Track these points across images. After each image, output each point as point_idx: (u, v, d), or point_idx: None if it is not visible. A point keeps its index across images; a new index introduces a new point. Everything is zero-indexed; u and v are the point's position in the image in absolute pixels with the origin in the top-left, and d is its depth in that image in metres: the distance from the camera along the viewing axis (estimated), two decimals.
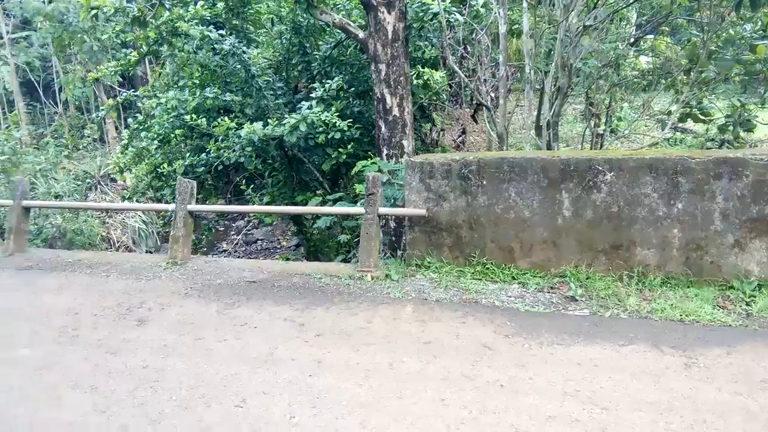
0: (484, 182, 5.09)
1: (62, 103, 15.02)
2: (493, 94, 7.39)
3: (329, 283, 5.27)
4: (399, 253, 6.26)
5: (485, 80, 7.23)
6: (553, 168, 4.92)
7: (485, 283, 5.04)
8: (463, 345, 3.92)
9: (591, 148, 9.21)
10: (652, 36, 10.46)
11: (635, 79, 9.90)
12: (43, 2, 11.67)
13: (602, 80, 8.49)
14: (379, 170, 5.94)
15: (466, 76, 7.33)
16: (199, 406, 3.26)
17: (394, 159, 6.56)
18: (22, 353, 4.02)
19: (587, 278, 4.92)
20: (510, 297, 4.76)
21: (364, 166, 6.08)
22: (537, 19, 7.59)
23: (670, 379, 3.41)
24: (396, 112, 6.51)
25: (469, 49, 7.84)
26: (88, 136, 12.86)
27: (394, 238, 6.69)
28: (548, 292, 4.83)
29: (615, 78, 8.69)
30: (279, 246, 11.91)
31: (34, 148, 11.01)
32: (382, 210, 5.48)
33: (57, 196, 9.11)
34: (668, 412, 3.07)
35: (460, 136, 9.01)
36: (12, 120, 11.64)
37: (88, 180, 11.33)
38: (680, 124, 9.99)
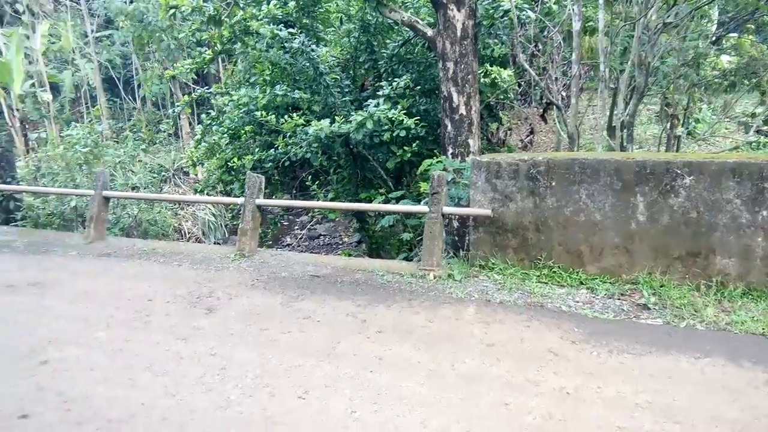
0: (554, 183, 4.95)
1: (140, 99, 15.76)
2: (564, 93, 7.19)
3: (391, 281, 5.27)
4: (462, 253, 6.19)
5: (556, 79, 7.03)
6: (628, 170, 4.72)
7: (551, 287, 4.91)
8: (528, 349, 3.83)
9: (666, 151, 8.81)
10: (735, 34, 9.89)
11: (716, 80, 9.39)
12: (125, 2, 12.27)
13: (681, 80, 8.09)
14: (444, 169, 5.89)
15: (536, 74, 7.16)
16: (263, 395, 3.33)
17: (459, 158, 6.50)
18: (100, 335, 4.23)
19: (661, 286, 4.70)
20: (578, 302, 4.62)
21: (429, 165, 6.05)
22: (613, 16, 7.32)
23: (751, 396, 3.21)
24: (463, 110, 6.44)
25: (540, 46, 7.67)
26: (164, 131, 13.43)
27: (456, 238, 6.63)
28: (619, 299, 4.65)
29: (694, 78, 8.27)
30: (341, 242, 12.04)
31: (114, 141, 11.61)
32: (447, 209, 5.44)
33: (134, 188, 9.56)
34: (747, 431, 2.89)
35: (528, 135, 8.82)
36: (95, 114, 12.32)
37: (162, 173, 11.84)
38: (765, 128, 9.40)
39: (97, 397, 3.36)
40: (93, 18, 15.03)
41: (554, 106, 7.50)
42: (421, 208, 5.62)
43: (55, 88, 14.59)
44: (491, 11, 7.00)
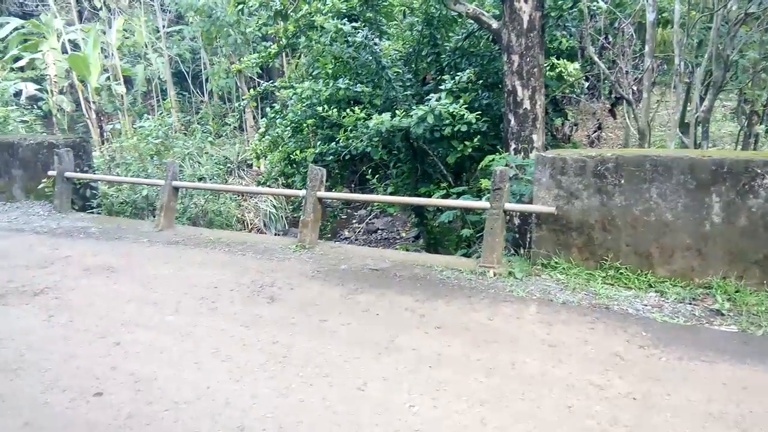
0: (622, 181, 4.78)
1: (207, 92, 16.26)
2: (635, 87, 6.91)
3: (450, 277, 5.24)
4: (523, 251, 6.07)
5: (627, 72, 6.77)
6: (703, 169, 4.50)
7: (618, 289, 4.74)
8: (592, 352, 3.71)
9: (743, 150, 8.33)
10: None
11: None
12: None
13: (763, 74, 7.62)
14: (507, 165, 5.79)
15: (606, 67, 6.91)
16: (323, 385, 3.37)
17: (522, 154, 6.37)
18: (169, 320, 4.40)
19: (736, 291, 4.46)
20: (646, 305, 4.44)
21: (491, 160, 5.95)
22: (690, 6, 6.98)
23: None
24: (527, 104, 6.30)
25: (610, 39, 7.40)
26: (229, 124, 13.81)
27: (517, 236, 6.50)
28: (690, 304, 4.45)
29: None
30: (398, 237, 12.05)
31: (183, 133, 12.03)
32: (508, 206, 5.35)
33: (201, 179, 9.87)
34: None
35: (595, 131, 8.54)
36: (165, 107, 12.81)
37: (227, 165, 12.18)
38: None
39: (166, 379, 3.49)
40: (165, 13, 15.60)
41: (624, 101, 7.23)
42: (482, 203, 5.55)
43: (129, 82, 15.26)
44: (560, 2, 6.80)
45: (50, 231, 7.12)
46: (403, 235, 12.02)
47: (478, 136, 6.90)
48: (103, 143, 13.48)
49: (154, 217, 7.88)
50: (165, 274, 5.46)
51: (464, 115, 6.32)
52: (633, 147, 8.27)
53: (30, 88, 14.33)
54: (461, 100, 6.50)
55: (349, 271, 5.44)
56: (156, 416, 3.09)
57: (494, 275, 5.17)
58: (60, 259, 5.92)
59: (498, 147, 6.85)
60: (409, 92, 7.40)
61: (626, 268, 4.84)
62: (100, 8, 14.12)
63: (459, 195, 6.72)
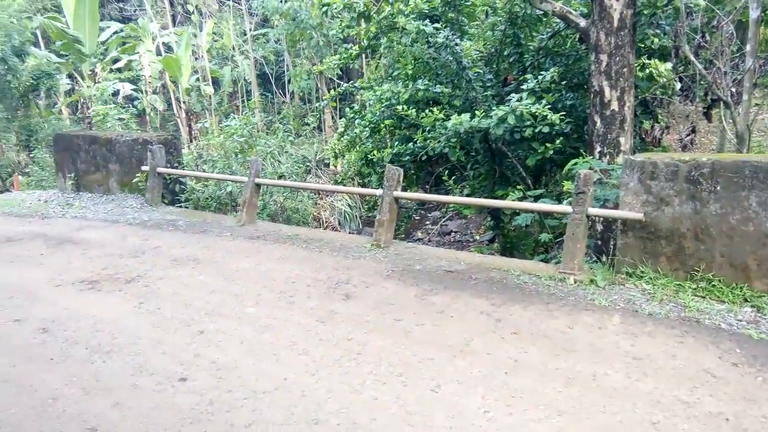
0: (718, 188, 4.48)
1: (289, 93, 16.74)
2: (734, 89, 6.47)
3: (527, 282, 5.10)
4: (605, 258, 5.83)
5: (725, 73, 6.34)
6: None
7: (710, 302, 4.45)
8: (680, 367, 3.50)
9: None
10: None
11: None
12: (281, 1, 13.05)
13: None
14: (591, 168, 5.57)
15: (702, 67, 6.52)
16: (397, 384, 3.37)
17: (607, 157, 6.11)
18: (249, 311, 4.55)
19: None
20: (740, 321, 4.15)
21: (575, 164, 5.75)
22: None
23: None
24: (615, 106, 6.04)
25: (707, 38, 6.96)
26: (309, 124, 14.15)
27: (600, 242, 6.25)
28: None
29: None
30: (472, 239, 11.89)
31: (265, 132, 12.43)
32: (592, 210, 5.15)
33: (281, 176, 10.15)
34: None
35: (688, 134, 8.07)
36: (250, 107, 13.32)
37: (306, 164, 12.47)
38: None
39: (246, 368, 3.61)
40: (251, 17, 16.20)
41: (721, 103, 6.78)
42: (564, 208, 5.37)
43: (216, 83, 15.95)
44: None
45: (142, 223, 7.55)
46: (477, 237, 11.85)
47: (561, 138, 6.69)
48: (191, 141, 14.16)
49: (236, 212, 8.18)
50: (246, 268, 5.65)
51: (547, 116, 6.14)
52: (729, 152, 7.75)
53: (126, 88, 15.27)
54: (544, 101, 6.32)
55: (424, 272, 5.42)
56: (236, 404, 3.19)
57: (575, 282, 4.99)
58: (150, 250, 6.26)
59: (581, 150, 6.62)
60: (489, 93, 7.28)
61: (719, 280, 4.54)
62: (192, 12, 14.83)
63: (537, 198, 6.55)
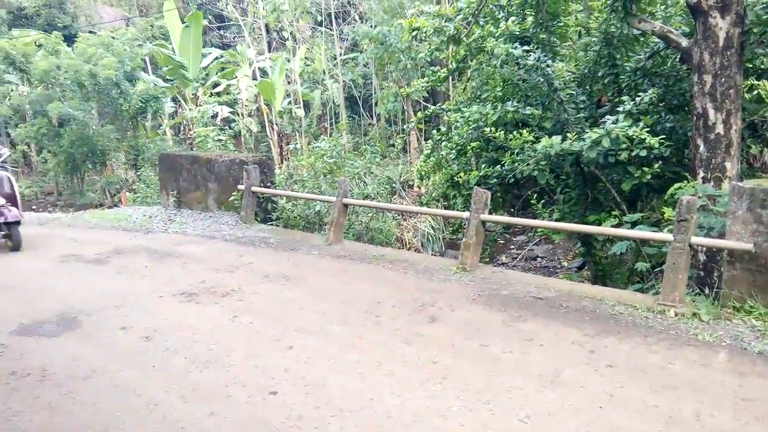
0: None
1: (376, 115, 17.06)
2: None
3: (623, 312, 4.86)
4: (709, 290, 5.45)
5: None
6: None
7: None
8: None
9: None
10: None
11: None
12: (371, 27, 13.41)
13: None
14: (695, 194, 5.26)
15: None
16: (484, 412, 3.30)
17: (711, 183, 5.75)
18: (335, 329, 4.62)
19: None
20: None
21: (678, 189, 5.46)
22: None
23: None
24: (720, 129, 5.69)
25: None
26: (394, 146, 14.33)
27: (702, 273, 5.87)
28: None
29: None
30: (559, 266, 11.51)
31: (353, 154, 12.72)
32: (695, 239, 4.85)
33: (366, 197, 10.31)
34: None
35: None
36: (339, 129, 13.71)
37: (391, 185, 12.61)
38: None
39: (332, 386, 3.66)
40: (342, 42, 16.74)
41: None
42: (664, 236, 5.09)
43: (306, 105, 16.53)
44: (765, 16, 6.07)
45: (236, 239, 7.90)
46: (565, 264, 11.46)
47: (659, 162, 6.37)
48: (282, 161, 14.72)
49: (323, 231, 8.39)
50: (333, 286, 5.77)
51: (645, 138, 5.88)
52: None
53: (224, 111, 16.14)
54: (641, 123, 6.06)
55: (512, 298, 5.30)
56: (323, 420, 3.24)
57: (675, 315, 4.70)
58: (244, 265, 6.53)
59: (683, 174, 6.28)
60: (582, 115, 7.08)
61: None
62: (287, 39, 15.51)
63: (633, 225, 6.24)
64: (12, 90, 15.32)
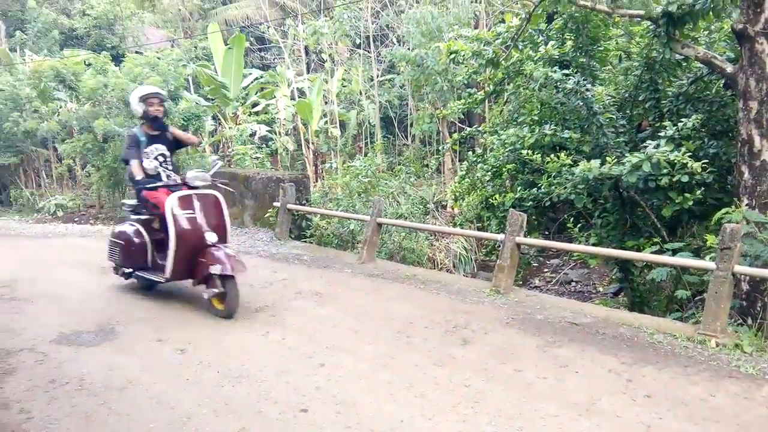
0: None
1: (410, 136, 17.14)
2: None
3: (662, 341, 4.73)
4: (752, 321, 5.27)
5: None
6: None
7: None
8: None
9: None
10: None
11: None
12: (409, 49, 13.53)
13: None
14: (740, 221, 5.12)
15: None
16: None
17: (757, 211, 5.58)
18: (367, 349, 4.61)
19: None
20: None
21: (726, 213, 5.32)
22: None
23: None
24: (766, 156, 5.54)
25: None
26: (428, 166, 14.34)
27: (745, 303, 5.67)
28: None
29: None
30: (594, 291, 11.27)
31: (388, 173, 12.79)
32: (738, 268, 4.71)
33: (399, 216, 10.33)
34: None
35: None
36: (374, 149, 13.82)
37: (425, 205, 12.61)
38: None
39: (363, 406, 3.64)
40: (379, 64, 16.92)
41: None
42: (707, 264, 4.96)
43: (342, 125, 16.70)
44: None
45: (270, 255, 7.99)
46: (600, 289, 11.22)
47: (701, 189, 6.23)
48: (316, 180, 14.88)
49: (356, 249, 8.42)
50: (365, 305, 5.77)
51: (687, 164, 5.76)
52: None
53: (262, 130, 16.43)
54: (683, 148, 5.95)
55: (546, 322, 5.21)
56: None
57: (716, 346, 4.55)
58: (277, 281, 6.59)
59: (724, 201, 6.12)
60: (621, 139, 6.99)
61: None
62: (326, 61, 15.78)
63: (674, 252, 6.09)
64: (61, 107, 15.93)
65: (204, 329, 5.04)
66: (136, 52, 16.88)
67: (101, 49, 18.47)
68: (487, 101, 12.56)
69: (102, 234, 10.20)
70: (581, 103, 6.88)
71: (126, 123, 14.10)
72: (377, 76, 16.67)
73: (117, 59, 16.09)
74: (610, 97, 7.34)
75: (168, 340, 4.79)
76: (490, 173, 8.44)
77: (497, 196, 8.15)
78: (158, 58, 14.77)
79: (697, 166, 5.71)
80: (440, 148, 13.47)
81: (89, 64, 15.58)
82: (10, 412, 3.64)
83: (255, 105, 17.22)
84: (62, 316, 5.45)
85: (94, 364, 4.33)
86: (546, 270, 12.70)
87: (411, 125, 16.39)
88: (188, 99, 15.31)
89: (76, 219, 14.47)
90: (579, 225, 7.95)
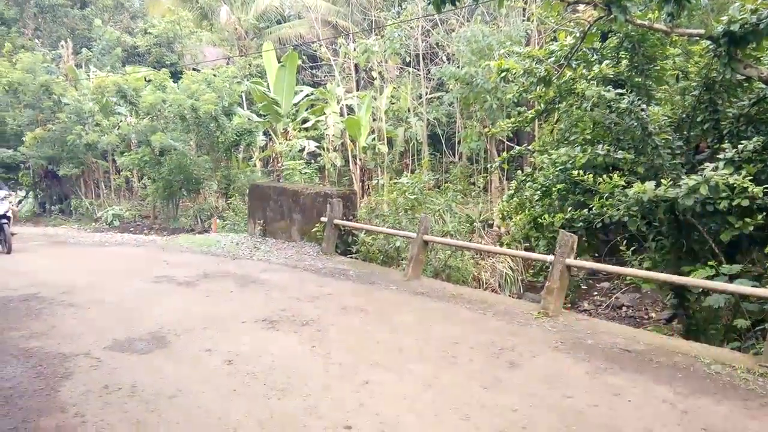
0: None
1: (458, 154, 17.10)
2: None
3: (720, 372, 4.52)
4: None
5: None
6: None
7: None
8: None
9: None
10: None
11: None
12: (458, 67, 13.55)
13: None
14: None
15: None
16: None
17: None
18: (411, 367, 4.58)
19: None
20: None
21: None
22: None
23: None
24: None
25: None
26: (475, 185, 14.25)
27: None
28: None
29: None
30: (646, 317, 10.89)
31: (435, 190, 12.77)
32: None
33: (445, 234, 10.27)
34: None
35: None
36: (424, 166, 13.85)
37: (473, 224, 12.51)
38: None
39: (407, 425, 3.61)
40: (428, 82, 17.01)
41: None
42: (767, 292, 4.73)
43: (390, 142, 16.82)
44: None
45: (317, 270, 8.07)
46: (653, 315, 10.83)
47: (763, 213, 5.96)
48: (363, 196, 14.99)
49: (401, 266, 8.41)
50: (410, 323, 5.74)
51: (747, 187, 5.53)
52: None
53: (311, 146, 16.73)
54: (744, 171, 5.72)
55: (597, 348, 5.06)
56: None
57: None
58: (323, 296, 6.65)
59: None
60: (678, 161, 6.78)
61: None
62: (375, 78, 15.97)
63: (732, 278, 5.84)
64: (121, 120, 16.64)
65: (252, 342, 5.11)
66: (194, 69, 17.49)
67: (161, 66, 19.25)
68: (537, 120, 12.44)
69: (155, 244, 10.54)
70: (636, 123, 6.72)
71: (181, 137, 14.61)
72: (426, 94, 16.74)
73: (175, 76, 16.73)
74: (666, 118, 7.13)
75: (217, 350, 4.89)
76: (539, 193, 8.31)
77: (546, 216, 8.01)
78: (214, 75, 15.27)
79: (758, 190, 5.48)
80: (488, 166, 13.38)
81: (149, 80, 16.25)
82: (66, 414, 3.78)
83: (305, 121, 17.55)
84: (117, 323, 5.64)
85: (145, 372, 4.45)
86: (595, 293, 12.37)
87: (458, 143, 16.34)
88: (241, 115, 15.75)
89: (131, 229, 15.02)
90: (632, 248, 7.72)
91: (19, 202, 20.08)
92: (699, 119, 7.09)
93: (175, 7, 22.65)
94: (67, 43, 20.21)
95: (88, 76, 18.77)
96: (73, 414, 3.78)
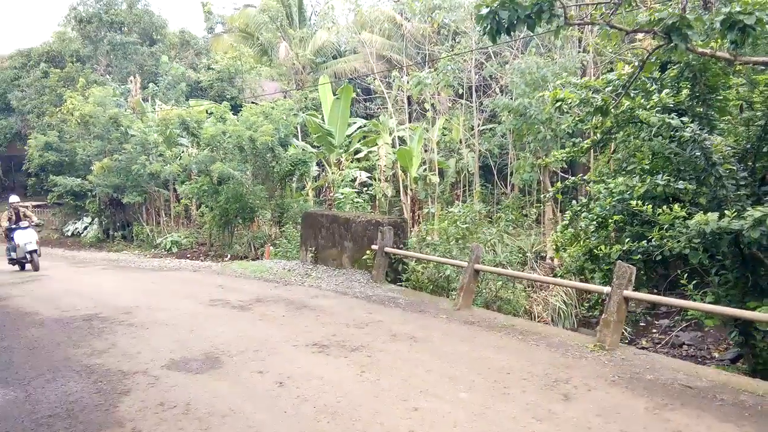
0: None
1: (510, 185, 16.95)
2: None
3: None
4: None
5: None
6: None
7: None
8: None
9: None
10: None
11: None
12: (511, 99, 13.55)
13: None
14: None
15: None
16: None
17: None
18: (462, 396, 4.51)
19: None
20: None
21: None
22: None
23: None
24: None
25: None
26: (527, 216, 14.06)
27: None
28: None
29: None
30: (709, 356, 10.35)
31: (487, 221, 12.67)
32: None
33: (497, 265, 10.14)
34: None
35: None
36: (474, 196, 13.81)
37: (524, 255, 12.31)
38: None
39: None
40: (481, 113, 17.05)
41: None
42: None
43: (441, 173, 16.86)
44: None
45: (366, 297, 8.10)
46: (716, 354, 10.30)
47: None
48: (413, 225, 15.01)
49: (452, 296, 8.33)
50: (460, 352, 5.66)
51: None
52: None
53: (363, 176, 16.97)
54: None
55: (657, 383, 4.84)
56: None
57: None
58: (373, 323, 6.65)
59: None
60: (742, 192, 6.52)
61: None
62: (428, 110, 16.14)
63: None
64: (183, 151, 17.38)
65: (303, 365, 5.16)
66: (253, 102, 18.16)
67: (222, 99, 20.07)
68: (592, 150, 12.23)
69: (211, 269, 10.84)
70: (698, 153, 6.52)
71: (239, 167, 15.11)
72: (478, 125, 16.76)
73: (235, 108, 17.40)
74: (729, 148, 6.90)
75: (268, 372, 4.95)
76: (595, 223, 8.12)
77: (603, 247, 7.81)
78: (272, 108, 15.80)
79: None
80: (540, 197, 13.20)
81: (210, 113, 16.96)
82: (123, 429, 3.90)
83: (357, 152, 17.86)
84: (173, 344, 5.81)
85: (199, 391, 4.55)
86: (654, 330, 11.88)
87: (511, 174, 16.22)
88: (296, 146, 16.18)
89: (188, 255, 15.51)
90: (693, 282, 7.42)
91: (85, 228, 21.14)
92: (765, 150, 6.83)
93: (236, 44, 23.71)
94: (136, 78, 21.41)
95: (154, 109, 19.79)
96: (130, 429, 3.90)
